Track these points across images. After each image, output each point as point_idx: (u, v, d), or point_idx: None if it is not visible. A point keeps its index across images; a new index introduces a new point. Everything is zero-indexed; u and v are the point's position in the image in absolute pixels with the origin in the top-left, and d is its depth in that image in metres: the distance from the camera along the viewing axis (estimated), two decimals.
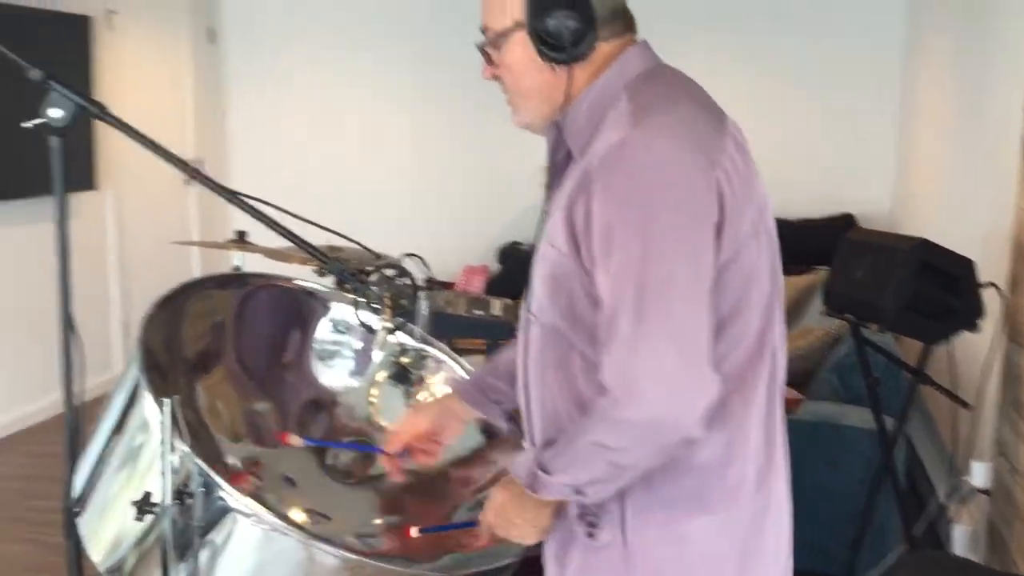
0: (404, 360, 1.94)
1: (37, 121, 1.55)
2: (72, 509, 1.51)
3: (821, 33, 5.74)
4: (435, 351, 1.96)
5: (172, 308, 1.66)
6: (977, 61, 3.76)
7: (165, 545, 1.35)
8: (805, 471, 3.26)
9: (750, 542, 1.39)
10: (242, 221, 7.11)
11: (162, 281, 1.82)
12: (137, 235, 5.69)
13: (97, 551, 1.52)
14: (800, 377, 3.55)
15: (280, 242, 2.88)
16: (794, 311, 4.36)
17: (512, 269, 5.73)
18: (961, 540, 3.11)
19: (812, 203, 5.75)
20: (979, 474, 2.99)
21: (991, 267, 2.93)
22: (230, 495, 1.37)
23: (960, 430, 3.13)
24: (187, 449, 1.34)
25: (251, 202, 1.62)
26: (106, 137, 5.40)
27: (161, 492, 1.33)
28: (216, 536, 1.41)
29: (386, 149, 6.25)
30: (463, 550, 1.58)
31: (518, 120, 1.43)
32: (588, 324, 1.32)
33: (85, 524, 1.52)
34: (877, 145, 5.78)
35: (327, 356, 1.90)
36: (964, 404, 2.89)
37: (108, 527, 1.49)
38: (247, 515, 1.39)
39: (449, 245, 5.82)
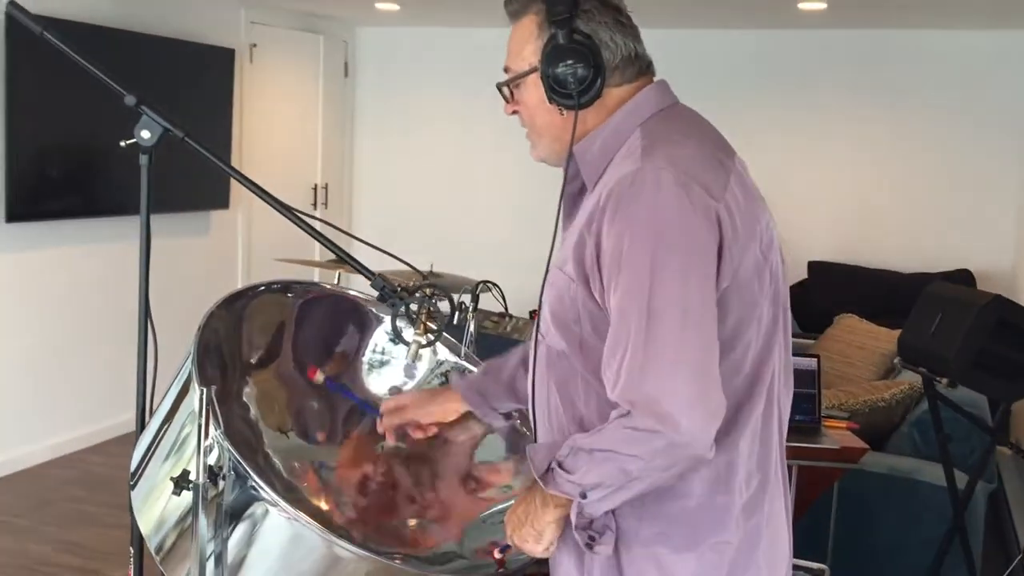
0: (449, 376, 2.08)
1: (130, 141, 1.75)
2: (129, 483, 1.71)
3: (954, 96, 5.69)
4: (476, 369, 2.07)
5: (235, 308, 1.83)
6: None
7: (195, 519, 1.51)
8: (879, 525, 3.24)
9: (737, 571, 1.42)
10: (360, 243, 7.42)
11: None
12: (264, 252, 6.06)
13: (146, 527, 1.69)
14: (881, 429, 3.50)
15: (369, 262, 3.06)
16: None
17: None
18: None
19: (932, 257, 5.67)
20: None
21: None
22: (257, 482, 1.51)
23: None
24: (219, 433, 1.49)
25: (306, 219, 1.78)
26: (241, 161, 5.81)
27: (196, 471, 1.50)
28: (247, 519, 1.56)
29: (497, 184, 6.46)
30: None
31: (535, 154, 1.52)
32: (592, 350, 1.37)
33: (136, 498, 1.71)
34: (1000, 201, 5.63)
35: (377, 365, 2.04)
36: None
37: (155, 507, 1.67)
38: (272, 503, 1.52)
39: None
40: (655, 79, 1.50)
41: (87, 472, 4.65)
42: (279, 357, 1.94)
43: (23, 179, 4.45)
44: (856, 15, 5.25)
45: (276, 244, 6.21)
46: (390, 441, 1.81)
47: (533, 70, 1.44)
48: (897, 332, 4.37)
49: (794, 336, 5.12)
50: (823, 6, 4.88)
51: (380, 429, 1.80)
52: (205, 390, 1.49)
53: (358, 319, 2.05)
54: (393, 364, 2.06)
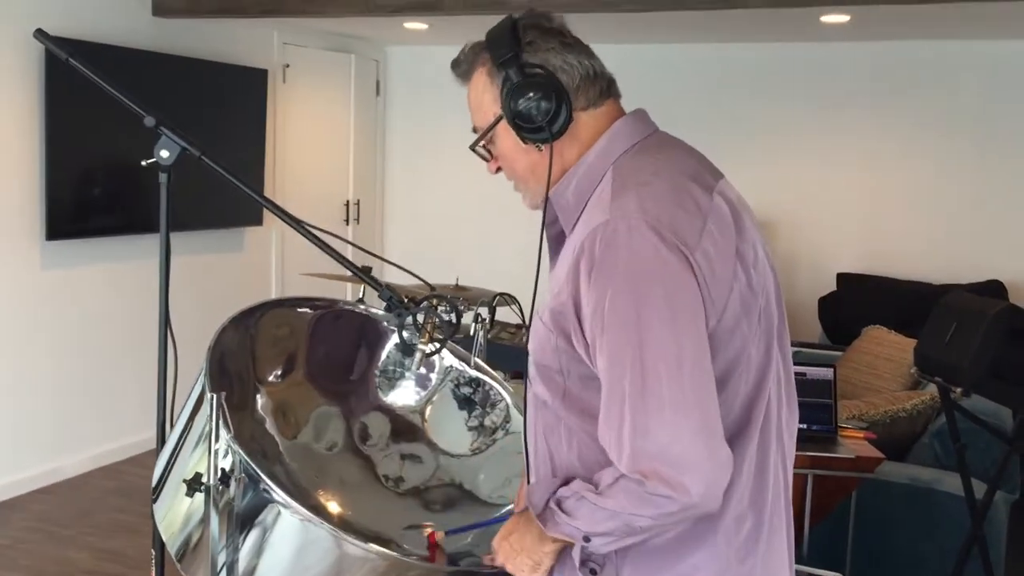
0: (465, 389, 2.14)
1: (151, 160, 1.84)
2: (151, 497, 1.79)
3: (981, 106, 5.68)
4: (490, 380, 2.13)
5: (248, 323, 1.91)
6: None
7: (207, 522, 1.58)
8: (898, 535, 3.25)
9: None
10: (395, 257, 7.59)
11: None
12: (296, 267, 6.17)
13: (167, 535, 1.76)
14: (903, 439, 3.50)
15: (391, 277, 3.14)
16: None
17: None
18: None
19: (962, 269, 5.65)
20: None
21: None
22: (268, 484, 1.58)
23: None
24: (229, 437, 1.57)
25: (316, 232, 1.84)
26: (275, 178, 5.94)
27: (207, 474, 1.57)
28: (260, 523, 1.62)
29: (519, 204, 6.52)
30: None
31: (528, 203, 1.49)
32: (576, 400, 1.35)
33: (158, 511, 1.78)
34: None
35: (390, 376, 2.11)
36: None
37: (174, 515, 1.73)
38: (284, 505, 1.58)
39: None
40: (630, 108, 1.45)
41: (127, 483, 4.78)
42: (293, 370, 2.01)
43: (62, 198, 4.61)
44: (880, 27, 5.26)
45: (308, 259, 6.33)
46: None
47: (499, 119, 1.42)
48: None
49: (822, 348, 5.11)
50: (846, 19, 4.90)
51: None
52: (215, 396, 1.56)
53: (370, 332, 2.12)
54: (407, 374, 2.13)
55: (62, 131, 4.53)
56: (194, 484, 1.60)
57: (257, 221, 5.82)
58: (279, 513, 1.61)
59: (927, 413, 3.55)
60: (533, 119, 1.37)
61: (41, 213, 4.53)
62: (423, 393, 2.13)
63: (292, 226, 1.80)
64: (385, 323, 2.12)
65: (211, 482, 1.57)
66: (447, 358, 2.12)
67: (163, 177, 1.86)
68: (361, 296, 2.28)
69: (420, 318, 1.80)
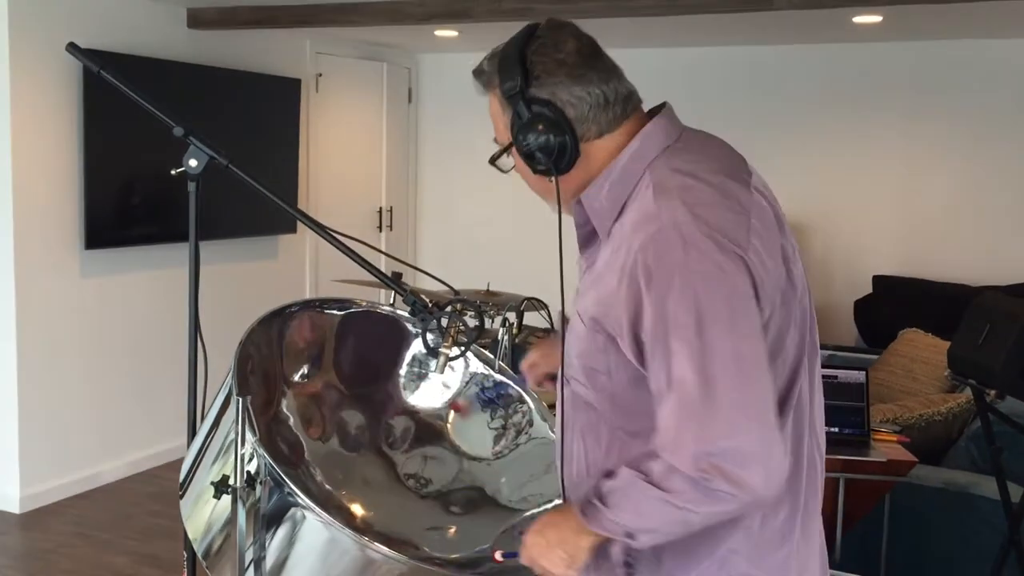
0: (489, 393, 2.16)
1: (180, 170, 1.88)
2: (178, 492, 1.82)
3: (1016, 105, 5.61)
4: (514, 385, 2.14)
5: (275, 325, 1.94)
6: None
7: (235, 523, 1.61)
8: (934, 540, 3.20)
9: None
10: (428, 263, 7.61)
11: None
12: (329, 273, 6.24)
13: (193, 535, 1.79)
14: (938, 443, 3.45)
15: (425, 283, 3.15)
16: None
17: None
18: None
19: (1000, 270, 5.60)
20: None
21: None
22: (292, 487, 1.60)
23: None
24: (255, 441, 1.59)
25: (341, 239, 1.87)
26: (308, 186, 6.00)
27: (234, 476, 1.60)
28: (286, 523, 1.65)
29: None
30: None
31: (552, 209, 1.48)
32: (626, 404, 1.37)
33: (185, 507, 1.82)
34: None
35: (415, 378, 2.13)
36: None
37: (201, 514, 1.77)
38: (307, 508, 1.60)
39: None
40: (662, 107, 1.45)
41: (164, 488, 4.85)
42: (320, 371, 2.04)
43: (101, 207, 4.69)
44: (914, 26, 5.20)
45: (342, 267, 6.36)
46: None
47: (511, 144, 1.43)
48: None
49: (858, 351, 5.05)
50: (879, 19, 4.85)
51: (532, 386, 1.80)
52: (241, 399, 1.59)
53: (396, 334, 2.14)
54: (431, 377, 2.15)
55: (100, 142, 4.62)
56: (221, 487, 1.63)
57: (291, 229, 5.89)
58: (303, 516, 1.63)
59: (963, 416, 3.50)
60: (535, 159, 1.39)
61: (80, 222, 4.62)
62: (447, 396, 2.15)
63: (317, 232, 1.83)
64: (410, 326, 2.14)
65: (238, 485, 1.60)
66: (472, 362, 2.13)
67: (191, 186, 1.90)
68: (392, 301, 2.30)
69: (444, 322, 1.81)
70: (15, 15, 4.27)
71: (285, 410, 1.94)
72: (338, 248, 1.82)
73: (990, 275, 5.59)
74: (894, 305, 5.67)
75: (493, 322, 3.12)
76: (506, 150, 1.44)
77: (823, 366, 1.59)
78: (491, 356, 2.14)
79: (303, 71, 5.95)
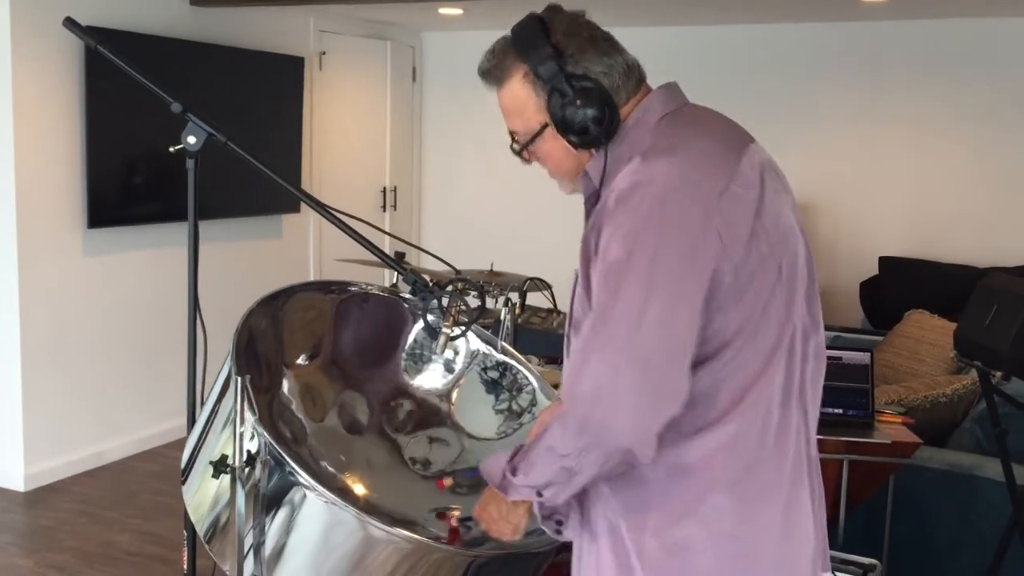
0: (492, 373, 2.14)
1: (178, 147, 1.86)
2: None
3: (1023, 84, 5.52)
4: (517, 364, 2.13)
5: (274, 307, 1.93)
6: None
7: (233, 503, 1.60)
8: (938, 522, 3.19)
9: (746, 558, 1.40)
10: (432, 243, 7.60)
11: None
12: (333, 252, 6.22)
13: (196, 516, 1.79)
14: (943, 425, 3.44)
15: (428, 262, 3.13)
16: None
17: None
18: None
19: (1007, 251, 5.58)
20: None
21: None
22: (293, 466, 1.59)
23: None
24: (255, 420, 1.58)
25: (343, 218, 1.85)
26: (312, 165, 5.98)
27: (233, 455, 1.59)
28: (286, 505, 1.64)
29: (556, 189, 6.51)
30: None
31: (565, 190, 1.55)
32: None
33: (187, 492, 1.81)
34: None
35: (417, 360, 2.12)
36: None
37: (202, 495, 1.76)
38: (309, 488, 1.60)
39: None
40: (667, 81, 1.50)
41: (168, 466, 4.85)
42: (320, 353, 2.02)
43: (103, 186, 4.67)
44: (921, 5, 5.15)
45: (345, 246, 6.36)
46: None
47: (545, 126, 1.46)
48: None
49: (863, 332, 5.03)
50: None
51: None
52: (240, 378, 1.58)
53: (397, 316, 2.13)
54: (434, 359, 2.14)
55: (102, 120, 4.60)
56: (220, 466, 1.62)
57: (295, 208, 5.87)
58: (305, 495, 1.62)
59: (968, 398, 3.48)
60: (588, 131, 1.42)
61: (83, 201, 4.60)
62: (449, 377, 2.14)
63: (318, 211, 1.81)
64: (411, 307, 2.12)
65: (237, 464, 1.59)
66: (473, 342, 2.12)
67: (190, 163, 1.88)
68: (395, 281, 2.29)
69: (445, 302, 1.80)
70: None
71: (286, 392, 1.93)
72: (339, 227, 1.80)
73: (997, 256, 5.55)
74: (900, 286, 5.64)
75: (496, 302, 3.10)
76: (539, 134, 1.47)
77: (827, 347, 1.57)
78: (493, 337, 2.12)
79: (306, 49, 5.91)
